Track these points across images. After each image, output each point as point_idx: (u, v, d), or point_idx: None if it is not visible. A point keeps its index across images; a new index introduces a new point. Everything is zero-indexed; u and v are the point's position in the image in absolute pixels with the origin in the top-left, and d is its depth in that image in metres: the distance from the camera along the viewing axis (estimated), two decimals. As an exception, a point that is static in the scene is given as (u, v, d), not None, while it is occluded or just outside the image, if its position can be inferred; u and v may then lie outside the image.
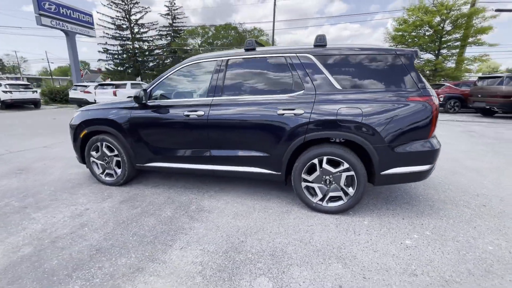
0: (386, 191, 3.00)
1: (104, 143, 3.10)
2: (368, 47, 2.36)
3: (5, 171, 3.77)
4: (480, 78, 10.36)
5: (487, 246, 2.00)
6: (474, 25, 13.71)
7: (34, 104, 14.78)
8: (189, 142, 2.79)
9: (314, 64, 2.40)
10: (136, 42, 42.21)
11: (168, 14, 44.90)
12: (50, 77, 51.17)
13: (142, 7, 39.69)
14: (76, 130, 3.19)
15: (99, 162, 3.21)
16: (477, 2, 13.66)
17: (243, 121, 2.53)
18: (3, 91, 13.37)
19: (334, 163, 2.38)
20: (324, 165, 2.38)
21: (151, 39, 44.03)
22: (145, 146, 2.93)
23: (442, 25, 14.30)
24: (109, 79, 20.36)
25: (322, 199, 2.47)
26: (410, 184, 3.17)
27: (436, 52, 15.69)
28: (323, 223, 2.33)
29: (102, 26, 36.55)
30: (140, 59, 43.01)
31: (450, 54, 15.88)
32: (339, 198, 2.44)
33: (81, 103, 14.85)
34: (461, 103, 11.17)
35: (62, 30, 17.17)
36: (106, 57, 40.94)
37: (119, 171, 3.16)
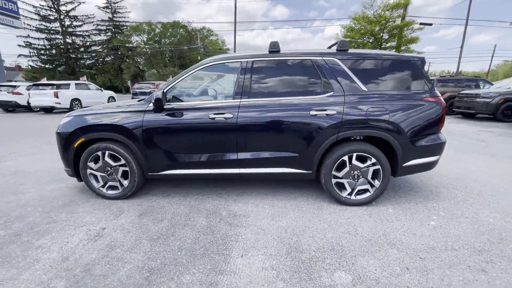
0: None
1: (107, 152, 2.72)
2: (386, 52, 2.63)
3: (-45, 194, 2.98)
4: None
5: (488, 219, 2.45)
6: (405, 35, 16.16)
7: None
8: (214, 146, 2.66)
9: (341, 67, 2.56)
10: (68, 36, 37.14)
11: (107, 7, 40.73)
12: None
13: (74, -4, 34.81)
14: (67, 138, 2.73)
15: (99, 174, 2.80)
16: (406, 16, 16.09)
17: (275, 123, 2.54)
18: None
19: (361, 159, 2.58)
20: (354, 161, 2.57)
21: (87, 34, 39.28)
22: (162, 152, 2.69)
23: (381, 34, 16.43)
24: (45, 79, 17.52)
25: (350, 193, 2.65)
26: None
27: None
28: (357, 215, 2.51)
29: (23, 16, 31.13)
30: (74, 56, 37.98)
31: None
32: (365, 190, 2.66)
33: (8, 106, 12.47)
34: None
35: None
36: (30, 52, 35.02)
37: (125, 182, 2.82)
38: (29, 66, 35.51)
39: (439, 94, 2.58)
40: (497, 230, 2.25)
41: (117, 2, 40.51)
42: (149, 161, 2.72)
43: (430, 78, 10.71)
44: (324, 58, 2.59)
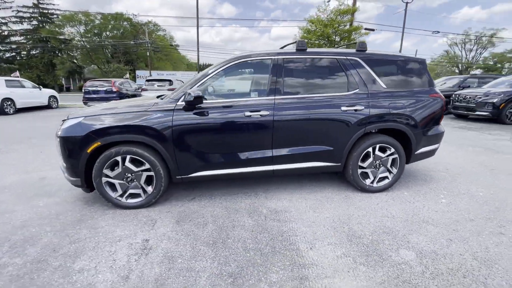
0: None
1: (128, 157, 2.44)
2: (398, 54, 2.96)
3: None
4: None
5: (478, 193, 2.98)
6: (354, 39, 17.90)
7: None
8: (249, 144, 2.62)
9: (363, 66, 2.79)
10: (-23, 23, 30.60)
11: (30, -9, 34.69)
12: None
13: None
14: (77, 143, 2.35)
15: (117, 181, 2.49)
16: (354, 21, 17.84)
17: (310, 119, 2.63)
18: None
19: (382, 150, 2.87)
20: (377, 152, 2.83)
21: (3, 21, 32.97)
22: (195, 153, 2.53)
23: (334, 37, 17.87)
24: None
25: (372, 181, 2.92)
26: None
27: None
28: (383, 200, 2.78)
29: None
30: (-14, 47, 31.54)
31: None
32: (385, 178, 2.96)
33: None
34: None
35: None
36: None
37: (150, 188, 2.56)
38: None
39: (439, 91, 3.02)
40: (490, 202, 2.76)
41: (43, -14, 34.87)
42: (179, 163, 2.53)
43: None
44: (347, 57, 2.78)
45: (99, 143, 2.37)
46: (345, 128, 2.69)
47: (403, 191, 3.03)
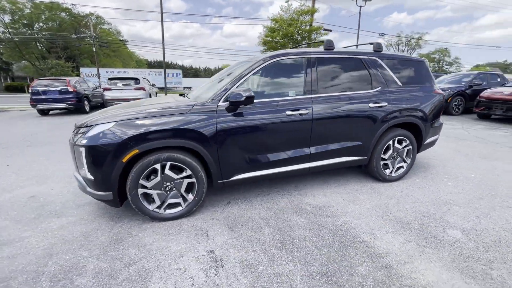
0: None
1: (168, 163, 2.23)
2: (405, 54, 3.26)
3: None
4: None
5: (470, 175, 3.48)
6: (314, 39, 18.90)
7: None
8: (289, 143, 2.62)
9: (382, 65, 3.01)
10: None
11: None
12: None
13: None
14: (111, 153, 2.06)
15: (155, 192, 2.26)
16: (313, 22, 18.81)
17: (344, 115, 2.75)
18: None
19: (399, 142, 3.14)
20: (395, 144, 3.10)
21: None
22: (238, 155, 2.43)
23: (296, 36, 18.56)
24: None
25: (391, 171, 3.19)
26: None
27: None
28: (404, 187, 3.06)
29: None
30: None
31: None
32: (400, 167, 3.25)
33: None
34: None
35: None
36: None
37: (190, 196, 2.38)
38: None
39: (439, 88, 3.43)
40: (484, 182, 3.25)
41: None
42: (222, 167, 2.41)
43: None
44: (369, 57, 2.97)
45: (136, 151, 2.11)
46: (372, 123, 2.88)
47: (414, 178, 3.37)
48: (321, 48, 2.86)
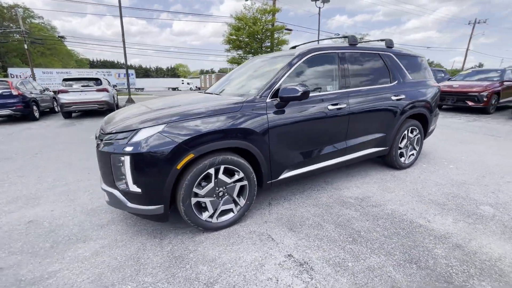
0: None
1: (222, 167, 2.03)
2: (410, 51, 3.53)
3: None
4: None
5: (461, 157, 3.95)
6: (277, 38, 19.32)
7: None
8: (330, 137, 2.63)
9: (396, 61, 3.21)
10: None
11: None
12: None
13: None
14: (163, 160, 1.79)
15: (208, 199, 2.04)
16: (276, 22, 19.19)
17: (374, 108, 2.86)
18: None
19: (411, 132, 3.40)
20: (409, 134, 3.35)
21: None
22: (285, 154, 2.34)
23: (261, 35, 18.69)
24: None
25: (405, 159, 3.44)
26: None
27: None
28: (419, 173, 3.32)
29: None
30: None
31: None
32: (412, 155, 3.52)
33: None
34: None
35: None
36: None
37: (242, 200, 2.22)
38: None
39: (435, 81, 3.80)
40: (475, 163, 3.72)
41: None
42: (273, 166, 2.29)
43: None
44: (385, 52, 3.14)
45: (192, 155, 1.87)
46: (393, 115, 3.06)
47: (421, 164, 3.69)
48: (345, 44, 2.92)
